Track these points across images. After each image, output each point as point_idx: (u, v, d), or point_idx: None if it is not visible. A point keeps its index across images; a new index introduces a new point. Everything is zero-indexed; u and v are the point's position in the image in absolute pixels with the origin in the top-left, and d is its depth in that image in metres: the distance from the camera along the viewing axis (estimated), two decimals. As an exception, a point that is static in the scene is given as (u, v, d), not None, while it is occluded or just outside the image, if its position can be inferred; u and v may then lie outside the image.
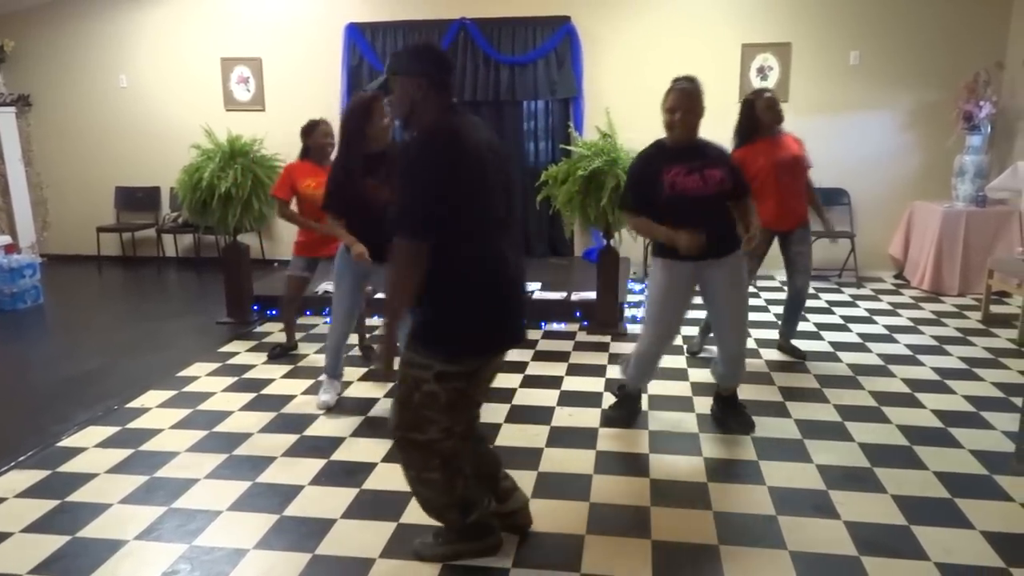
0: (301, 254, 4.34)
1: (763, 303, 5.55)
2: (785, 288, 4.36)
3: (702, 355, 4.34)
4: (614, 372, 4.16)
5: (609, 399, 3.74)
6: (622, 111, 5.37)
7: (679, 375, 4.10)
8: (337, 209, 3.47)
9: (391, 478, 2.94)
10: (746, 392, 3.65)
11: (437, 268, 2.09)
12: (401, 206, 2.10)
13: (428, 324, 2.15)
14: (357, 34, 6.78)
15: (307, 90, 6.82)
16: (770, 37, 6.35)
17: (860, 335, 4.80)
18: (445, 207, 2.06)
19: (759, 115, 4.00)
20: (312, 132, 4.22)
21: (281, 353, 4.54)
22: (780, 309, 4.56)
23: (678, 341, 4.61)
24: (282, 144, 5.18)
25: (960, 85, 5.92)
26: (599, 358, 4.43)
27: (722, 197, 3.12)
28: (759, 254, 4.09)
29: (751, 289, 6.02)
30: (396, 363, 2.20)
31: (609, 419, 3.49)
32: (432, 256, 2.07)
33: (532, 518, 2.59)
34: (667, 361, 4.28)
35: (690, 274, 3.18)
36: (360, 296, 3.75)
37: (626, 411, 3.50)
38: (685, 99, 3.03)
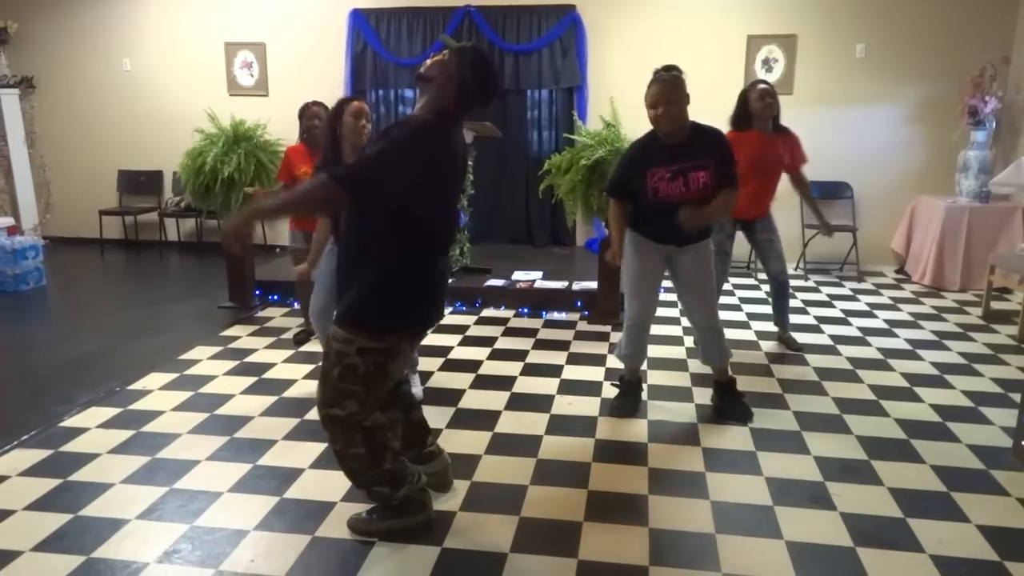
0: (298, 229, 4.25)
1: (763, 295, 5.56)
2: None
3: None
4: (614, 362, 4.17)
5: (608, 388, 3.75)
6: (626, 101, 5.34)
7: (679, 366, 4.12)
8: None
9: (391, 463, 2.97)
10: (745, 383, 3.67)
11: (386, 256, 2.24)
12: (360, 158, 2.20)
13: (361, 305, 2.27)
14: (362, 20, 6.76)
15: (311, 76, 6.80)
16: (776, 29, 6.33)
17: (860, 329, 4.82)
18: (394, 186, 2.17)
19: (751, 105, 4.04)
20: (303, 115, 4.19)
21: (305, 338, 4.50)
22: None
23: (677, 334, 4.62)
24: (285, 130, 5.18)
25: (966, 80, 5.91)
26: (599, 347, 4.44)
27: (704, 198, 3.13)
28: (727, 236, 4.14)
29: (751, 281, 6.04)
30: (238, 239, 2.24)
31: (613, 409, 3.50)
32: (384, 244, 2.23)
33: (451, 484, 2.78)
34: (667, 352, 4.31)
35: (661, 253, 3.30)
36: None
37: (629, 401, 3.52)
38: (665, 92, 3.04)
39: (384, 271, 2.25)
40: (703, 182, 3.09)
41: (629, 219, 3.32)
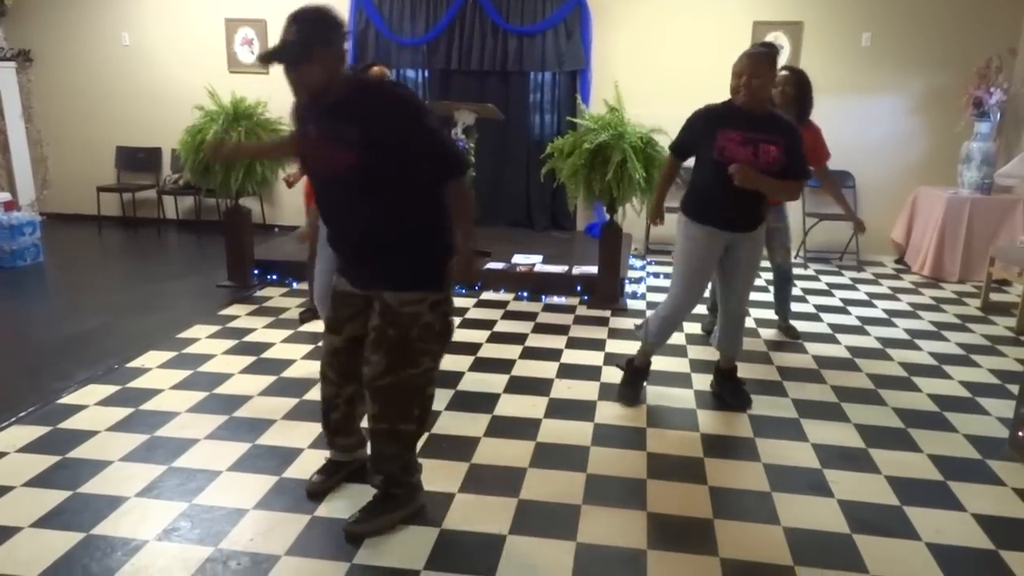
0: (312, 204, 4.22)
1: (763, 283, 5.55)
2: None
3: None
4: (613, 347, 4.17)
5: (607, 372, 3.76)
6: (630, 85, 5.32)
7: (679, 352, 4.12)
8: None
9: (390, 444, 2.98)
10: (744, 370, 3.67)
11: (427, 213, 2.30)
12: (446, 148, 2.32)
13: (419, 263, 2.32)
14: (364, -2, 6.69)
15: (312, 54, 6.72)
16: (782, 15, 6.28)
17: (859, 318, 4.82)
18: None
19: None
20: None
21: (310, 317, 4.49)
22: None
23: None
24: (285, 108, 5.11)
25: (971, 71, 5.88)
26: (599, 332, 4.44)
27: (769, 174, 3.04)
28: None
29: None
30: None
31: (622, 396, 3.48)
32: (424, 204, 2.29)
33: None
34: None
35: (722, 243, 3.22)
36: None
37: (635, 387, 3.51)
38: (751, 65, 3.00)
39: (427, 224, 2.31)
40: (773, 156, 3.01)
41: (694, 208, 3.24)
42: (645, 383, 3.60)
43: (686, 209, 3.27)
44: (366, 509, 2.46)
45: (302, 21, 2.17)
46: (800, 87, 4.01)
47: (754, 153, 3.02)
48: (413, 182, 2.25)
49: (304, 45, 2.15)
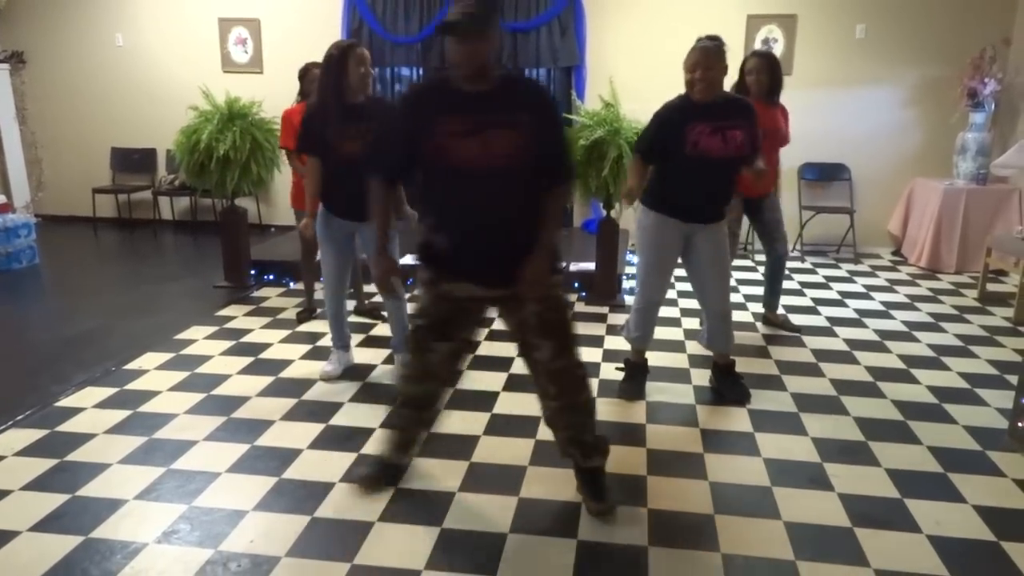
0: (302, 208, 4.21)
1: (760, 277, 5.55)
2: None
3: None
4: (612, 343, 4.17)
5: (606, 369, 3.75)
6: (625, 80, 5.31)
7: (676, 347, 4.11)
8: (312, 150, 3.40)
9: (389, 443, 2.97)
10: (742, 365, 3.66)
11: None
12: (570, 156, 2.43)
13: (555, 249, 2.38)
14: (357, -4, 6.66)
15: (306, 53, 6.63)
16: (776, 8, 6.27)
17: (857, 310, 4.82)
18: None
19: (745, 78, 4.02)
20: (305, 76, 4.26)
21: (307, 317, 4.51)
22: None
23: (674, 316, 4.62)
24: (280, 107, 5.09)
25: (966, 61, 5.88)
26: (597, 329, 4.44)
27: (740, 161, 3.13)
28: (735, 218, 4.12)
29: (749, 263, 6.03)
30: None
31: (621, 392, 3.48)
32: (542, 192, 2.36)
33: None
34: (665, 333, 4.31)
35: (681, 232, 3.24)
36: (349, 257, 3.63)
37: (636, 383, 3.51)
38: (704, 58, 3.03)
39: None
40: (740, 140, 3.09)
41: (652, 197, 3.27)
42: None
43: (645, 200, 3.30)
44: (593, 493, 2.54)
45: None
46: (772, 72, 4.01)
47: (723, 140, 3.07)
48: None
49: (487, 18, 2.15)
